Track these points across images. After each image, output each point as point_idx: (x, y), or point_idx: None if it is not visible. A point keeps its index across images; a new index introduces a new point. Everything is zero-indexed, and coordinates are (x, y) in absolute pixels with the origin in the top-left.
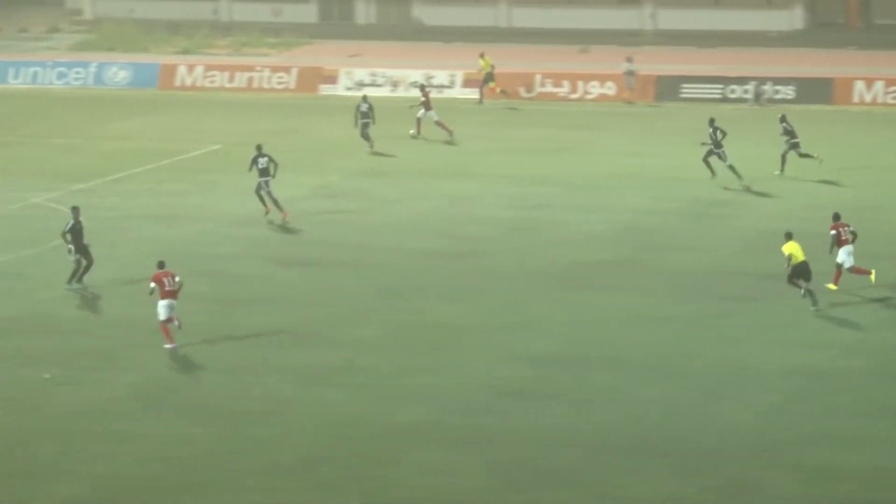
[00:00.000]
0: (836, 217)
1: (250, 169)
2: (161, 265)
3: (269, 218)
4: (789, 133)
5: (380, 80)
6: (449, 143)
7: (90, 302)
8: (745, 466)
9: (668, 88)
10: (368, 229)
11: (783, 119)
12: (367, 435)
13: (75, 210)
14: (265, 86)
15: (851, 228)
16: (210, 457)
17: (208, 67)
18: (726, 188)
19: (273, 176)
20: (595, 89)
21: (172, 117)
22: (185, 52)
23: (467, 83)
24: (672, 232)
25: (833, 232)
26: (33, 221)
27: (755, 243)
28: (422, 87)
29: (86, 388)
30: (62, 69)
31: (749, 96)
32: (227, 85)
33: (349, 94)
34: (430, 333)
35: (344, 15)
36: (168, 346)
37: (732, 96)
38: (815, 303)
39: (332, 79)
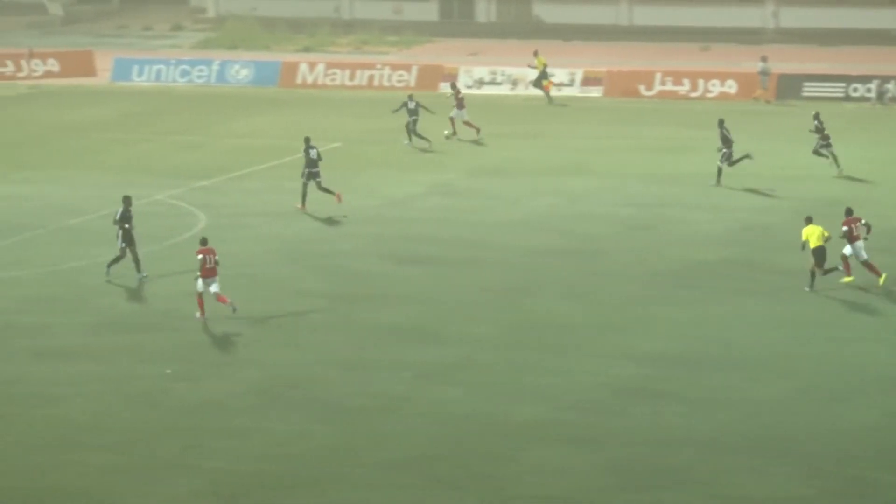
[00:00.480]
0: (849, 212)
1: (305, 161)
2: (204, 242)
3: (304, 212)
4: (820, 131)
5: (499, 78)
6: (476, 142)
7: (210, 298)
8: (867, 468)
9: (789, 87)
10: (486, 227)
11: (816, 117)
12: (484, 432)
13: (127, 199)
14: (385, 84)
15: (864, 222)
16: (328, 453)
17: (329, 65)
18: (849, 183)
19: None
20: (716, 88)
21: (293, 115)
22: (307, 50)
23: (587, 81)
24: (789, 231)
25: (845, 228)
26: (155, 218)
27: (876, 243)
28: (452, 86)
29: (206, 383)
30: (185, 67)
31: (871, 95)
32: (348, 83)
33: (469, 91)
34: (546, 332)
35: (464, 13)
36: (198, 316)
37: (855, 95)
38: (811, 285)
39: (451, 76)
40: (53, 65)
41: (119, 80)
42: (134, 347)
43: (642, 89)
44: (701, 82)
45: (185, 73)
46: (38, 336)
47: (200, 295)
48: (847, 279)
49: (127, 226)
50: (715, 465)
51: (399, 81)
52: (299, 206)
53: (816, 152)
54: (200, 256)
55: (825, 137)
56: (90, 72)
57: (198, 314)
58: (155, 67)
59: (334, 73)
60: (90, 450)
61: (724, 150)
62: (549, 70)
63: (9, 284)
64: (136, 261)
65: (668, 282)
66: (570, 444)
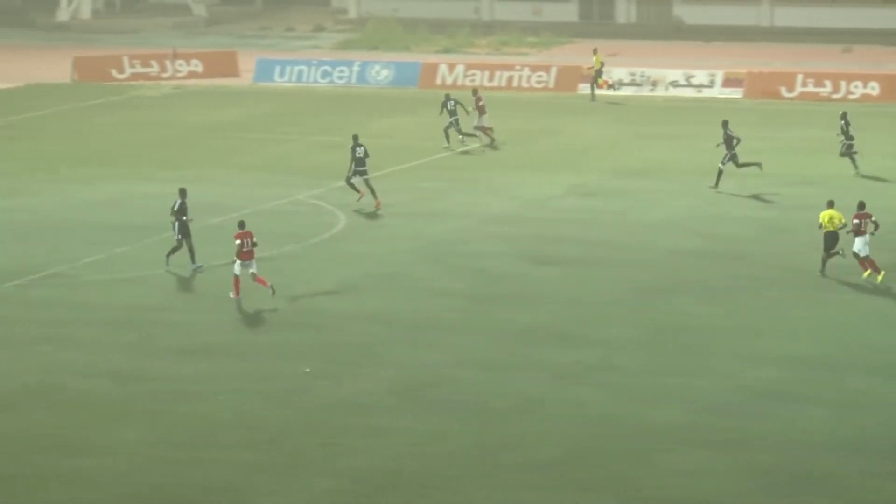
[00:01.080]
0: (861, 206)
1: (351, 158)
2: (241, 225)
3: (361, 203)
4: (845, 132)
5: (639, 80)
6: (489, 146)
7: (349, 297)
8: None
9: None
10: (624, 228)
11: (843, 117)
12: (621, 434)
13: (182, 191)
14: (524, 84)
15: (873, 219)
16: (466, 452)
17: (469, 66)
18: None
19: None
20: (858, 90)
21: (432, 116)
22: (447, 51)
23: (727, 82)
24: None
25: (855, 221)
26: (296, 217)
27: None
28: (474, 91)
29: (345, 382)
30: (326, 68)
31: None
32: (487, 83)
33: (609, 92)
34: (684, 334)
35: (604, 14)
36: (233, 296)
37: None
38: (822, 269)
39: (591, 78)
40: (197, 65)
41: (261, 81)
42: (274, 346)
43: (783, 91)
44: (843, 84)
45: (325, 74)
46: (180, 333)
47: (237, 277)
48: (867, 274)
49: (184, 217)
50: (857, 470)
51: (538, 82)
52: (365, 199)
53: (844, 155)
54: (238, 241)
55: (850, 138)
56: (233, 72)
57: (232, 294)
58: (296, 68)
59: (474, 74)
60: (231, 447)
61: (727, 152)
62: (604, 69)
63: (152, 282)
64: (192, 252)
65: (810, 284)
66: (707, 447)
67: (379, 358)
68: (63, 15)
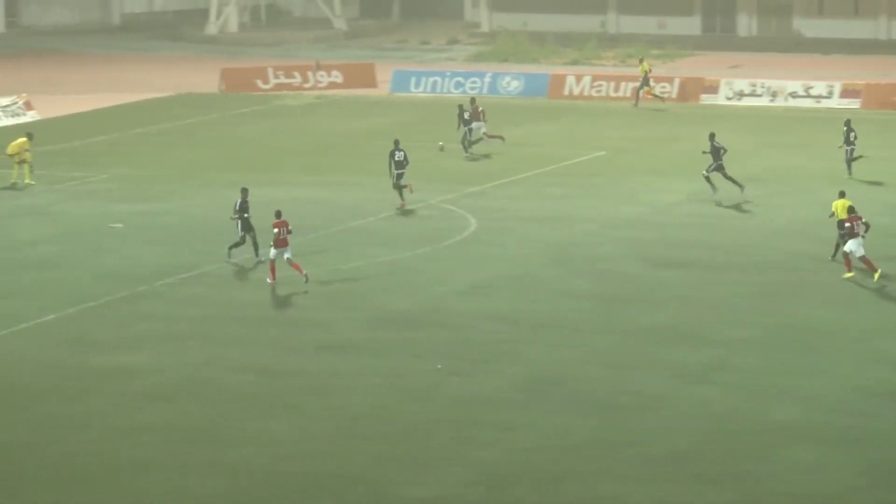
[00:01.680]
0: (851, 210)
1: (391, 163)
2: (278, 215)
3: (405, 207)
4: (847, 139)
5: (759, 90)
6: (489, 154)
7: (479, 297)
8: None
9: None
10: (745, 232)
11: (847, 123)
12: (741, 431)
13: (244, 191)
14: (648, 95)
15: (864, 220)
16: (591, 447)
17: (595, 77)
18: None
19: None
20: None
21: (560, 125)
22: (574, 62)
23: (844, 93)
24: None
25: (847, 224)
26: (430, 221)
27: None
28: (472, 101)
29: (476, 378)
30: (459, 79)
31: None
32: (613, 94)
33: (729, 103)
34: (802, 335)
35: (726, 27)
36: (269, 281)
37: None
38: (834, 255)
39: (712, 89)
40: (337, 76)
41: (397, 91)
42: (409, 343)
43: None
44: None
45: (458, 85)
46: (320, 330)
47: (273, 262)
48: (848, 275)
49: (245, 215)
50: None
51: (661, 93)
52: (400, 202)
53: (852, 160)
54: (276, 230)
55: (850, 143)
56: (371, 83)
57: (269, 279)
58: (431, 79)
59: (600, 85)
60: (367, 439)
61: (714, 162)
62: (650, 78)
63: (296, 281)
64: (255, 245)
65: None
66: (825, 444)
67: (507, 355)
68: (212, 28)
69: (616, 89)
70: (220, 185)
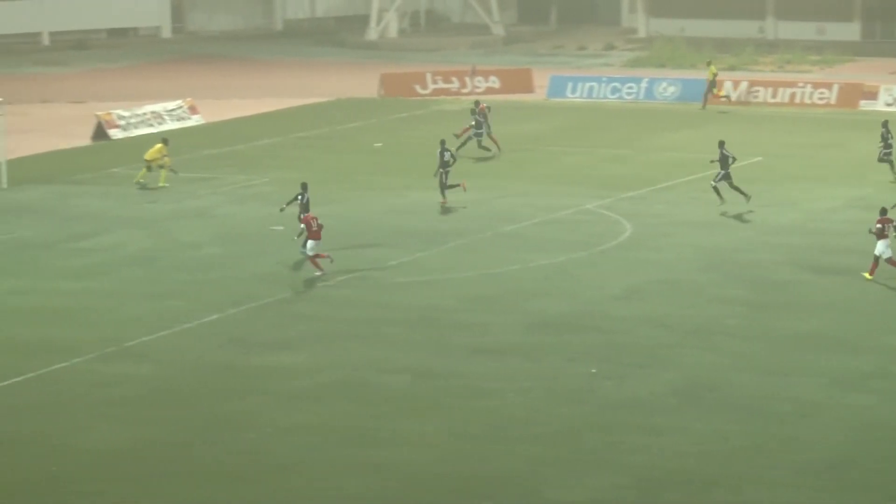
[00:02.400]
0: (883, 212)
1: (438, 162)
2: (304, 208)
3: (445, 207)
4: (885, 139)
5: None
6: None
7: (633, 302)
8: None
9: None
10: None
11: (884, 125)
12: None
13: (304, 185)
14: (806, 101)
15: (895, 224)
16: (743, 453)
17: (752, 83)
18: None
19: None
20: None
21: (716, 130)
22: (732, 68)
23: None
24: None
25: (878, 226)
26: (585, 226)
27: None
28: (476, 103)
29: (628, 383)
30: (616, 84)
31: None
32: (770, 100)
33: (889, 109)
34: None
35: (886, 33)
36: (318, 273)
37: None
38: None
39: (871, 95)
40: (494, 81)
41: (554, 97)
42: (562, 347)
43: None
44: None
45: (615, 90)
46: (475, 334)
47: (313, 258)
48: (867, 275)
49: (306, 213)
50: None
51: (820, 99)
52: (441, 200)
53: (882, 160)
54: (302, 226)
55: (888, 146)
56: (528, 88)
57: (318, 272)
58: (587, 84)
59: (757, 91)
60: (520, 441)
61: (721, 171)
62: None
63: (450, 285)
64: (306, 239)
65: None
66: None
67: (661, 360)
68: (372, 34)
69: (773, 95)
70: (380, 189)
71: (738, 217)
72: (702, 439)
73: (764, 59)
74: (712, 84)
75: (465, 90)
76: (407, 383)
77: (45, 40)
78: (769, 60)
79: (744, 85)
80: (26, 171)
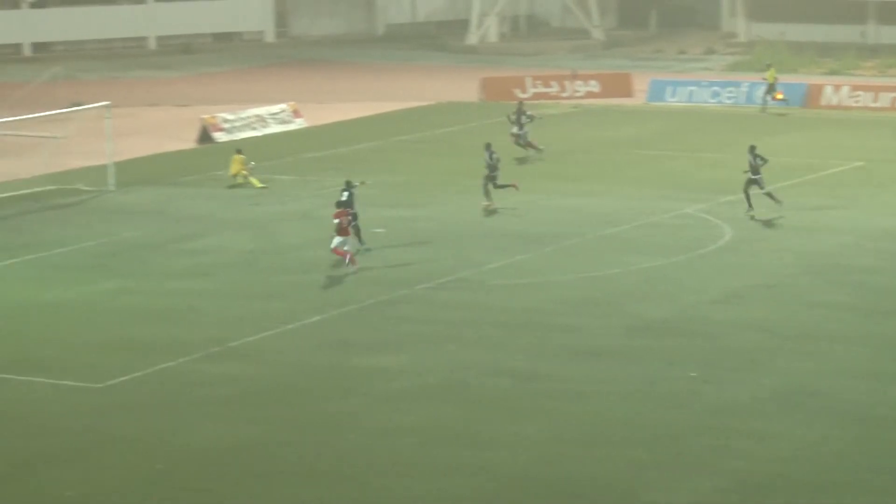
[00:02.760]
0: None
1: (486, 164)
2: (339, 204)
3: (489, 209)
4: None
5: None
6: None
7: (733, 306)
8: None
9: None
10: None
11: None
12: None
13: (348, 183)
14: None
15: None
16: (846, 458)
17: (854, 87)
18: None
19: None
20: None
21: (817, 135)
22: (833, 72)
23: None
24: None
25: None
26: (684, 230)
27: None
28: (520, 104)
29: (729, 387)
30: (716, 88)
31: None
32: (871, 104)
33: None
34: None
35: None
36: (352, 269)
37: None
38: None
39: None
40: (594, 86)
41: (653, 101)
42: (662, 350)
43: None
44: None
45: (715, 94)
46: (574, 336)
47: (345, 251)
48: None
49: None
50: None
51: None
52: (485, 202)
53: None
54: (337, 220)
55: None
56: (627, 92)
57: (352, 268)
58: (687, 89)
59: (858, 96)
60: (620, 445)
61: (752, 177)
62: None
63: (550, 287)
64: (358, 234)
65: None
66: None
67: (761, 365)
68: (472, 38)
69: (875, 100)
70: (479, 193)
71: (840, 221)
72: (803, 444)
73: (865, 64)
74: (772, 87)
75: (564, 94)
76: (507, 386)
77: (152, 45)
78: (871, 65)
79: (845, 89)
80: (133, 173)
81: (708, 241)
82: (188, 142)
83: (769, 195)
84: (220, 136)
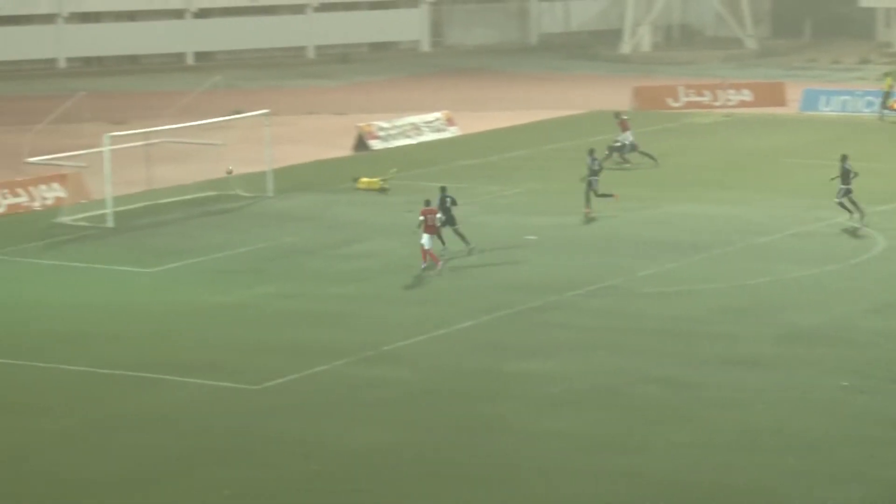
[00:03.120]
0: None
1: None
2: (427, 203)
3: (590, 217)
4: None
5: None
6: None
7: (887, 316)
8: None
9: None
10: None
11: None
12: None
13: (443, 189)
14: None
15: None
16: None
17: None
18: None
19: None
20: None
21: None
22: None
23: None
24: None
25: None
26: (837, 238)
27: None
28: (616, 115)
29: (881, 397)
30: (870, 98)
31: None
32: None
33: None
34: None
35: None
36: (437, 267)
37: None
38: None
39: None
40: (747, 94)
41: (807, 110)
42: (814, 359)
43: None
44: None
45: (869, 104)
46: (724, 344)
47: (423, 247)
48: None
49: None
50: None
51: None
52: (586, 209)
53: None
54: (422, 217)
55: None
56: (780, 102)
57: (423, 265)
58: (841, 98)
59: None
60: (770, 453)
61: (843, 187)
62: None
63: (700, 295)
64: (462, 237)
65: None
66: None
67: None
68: (625, 48)
69: None
70: (629, 200)
71: None
72: None
73: None
74: (888, 96)
75: (716, 103)
76: (656, 393)
77: (311, 54)
78: None
79: None
80: (291, 179)
81: (861, 251)
82: (345, 149)
83: (841, 205)
84: (375, 144)
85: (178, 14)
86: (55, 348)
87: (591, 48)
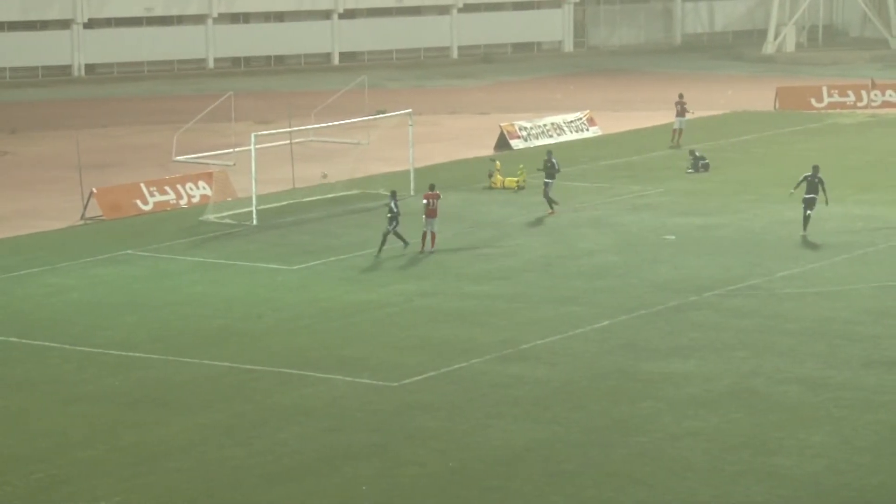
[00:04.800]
0: None
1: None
2: (432, 187)
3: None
4: None
5: None
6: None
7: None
8: None
9: None
10: None
11: None
12: None
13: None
14: None
15: None
16: None
17: None
18: None
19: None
20: None
21: None
22: None
23: None
24: None
25: None
26: None
27: None
28: (680, 96)
29: None
30: None
31: None
32: None
33: None
34: None
35: None
36: (420, 251)
37: None
38: None
39: None
40: (892, 96)
41: None
42: None
43: None
44: None
45: None
46: (866, 345)
47: (424, 234)
48: None
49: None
50: None
51: None
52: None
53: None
54: (426, 201)
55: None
56: None
57: (419, 249)
58: None
59: None
60: None
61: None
62: None
63: (841, 296)
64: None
65: None
66: None
67: None
68: (769, 48)
69: None
70: (773, 201)
71: None
72: None
73: None
74: None
75: (860, 104)
76: (797, 393)
77: (454, 54)
78: None
79: None
80: (433, 178)
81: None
82: (486, 149)
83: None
84: (517, 144)
85: (325, 15)
86: (200, 345)
87: (734, 48)
